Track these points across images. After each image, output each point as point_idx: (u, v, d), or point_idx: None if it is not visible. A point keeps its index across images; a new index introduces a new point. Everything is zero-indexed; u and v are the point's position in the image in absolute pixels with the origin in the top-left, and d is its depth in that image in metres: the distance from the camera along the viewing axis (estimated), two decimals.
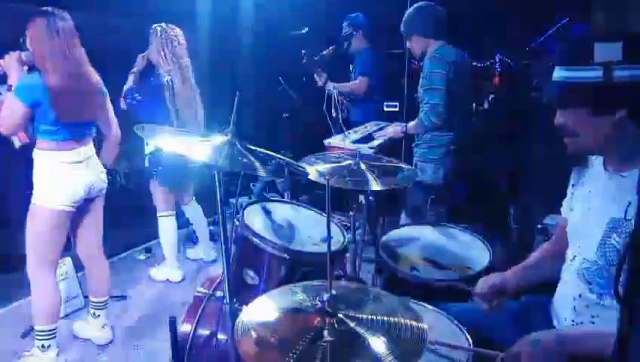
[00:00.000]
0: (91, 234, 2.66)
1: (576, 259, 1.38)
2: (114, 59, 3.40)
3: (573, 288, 1.38)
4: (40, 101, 2.24)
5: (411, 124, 2.97)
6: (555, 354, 1.22)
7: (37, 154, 2.36)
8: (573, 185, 1.51)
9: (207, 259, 3.79)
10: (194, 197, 3.64)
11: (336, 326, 1.00)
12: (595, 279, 1.30)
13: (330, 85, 3.99)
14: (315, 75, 4.06)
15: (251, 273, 1.81)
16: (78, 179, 2.40)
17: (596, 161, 1.40)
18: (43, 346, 2.42)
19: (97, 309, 2.71)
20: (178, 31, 3.20)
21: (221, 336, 1.74)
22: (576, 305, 1.36)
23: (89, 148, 2.49)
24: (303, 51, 3.95)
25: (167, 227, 3.41)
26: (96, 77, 2.47)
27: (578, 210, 1.43)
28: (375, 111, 4.09)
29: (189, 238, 4.06)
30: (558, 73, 1.27)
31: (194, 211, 3.65)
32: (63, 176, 2.36)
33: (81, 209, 2.51)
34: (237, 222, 1.84)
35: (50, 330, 2.43)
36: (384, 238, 2.21)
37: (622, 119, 1.21)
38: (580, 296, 1.35)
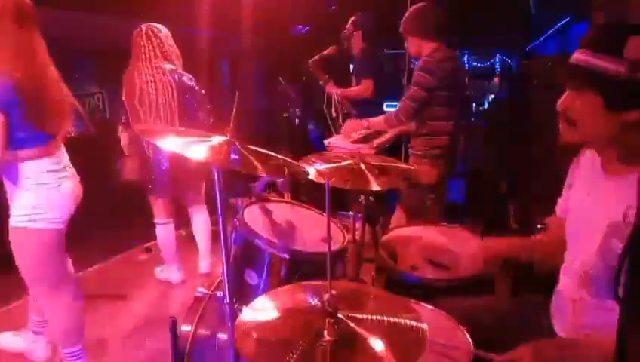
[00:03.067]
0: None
1: (575, 262, 1.37)
2: (113, 58, 3.39)
3: (572, 290, 1.37)
4: (11, 104, 1.88)
5: (376, 119, 3.02)
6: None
7: (16, 168, 1.98)
8: (570, 186, 1.50)
9: (202, 270, 3.51)
10: (204, 204, 3.45)
11: (336, 326, 1.00)
12: (594, 282, 1.29)
13: (334, 91, 3.99)
14: (321, 82, 4.08)
15: (251, 273, 1.81)
16: (65, 188, 2.09)
17: (594, 163, 1.38)
18: None
19: (39, 327, 2.49)
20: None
21: (221, 336, 1.74)
22: (576, 308, 1.35)
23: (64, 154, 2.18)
24: (309, 61, 3.96)
25: (163, 235, 3.31)
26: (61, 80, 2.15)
27: (576, 213, 1.42)
28: (375, 111, 4.09)
29: (189, 238, 4.06)
30: (580, 55, 1.22)
31: (198, 218, 3.45)
32: (52, 187, 2.03)
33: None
34: (237, 222, 1.84)
35: (79, 350, 2.28)
36: (384, 238, 2.21)
37: (631, 120, 1.18)
38: (579, 298, 1.34)
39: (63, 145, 2.19)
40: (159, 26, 3.08)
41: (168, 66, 3.00)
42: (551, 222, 1.64)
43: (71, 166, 2.20)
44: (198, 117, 3.16)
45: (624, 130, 1.20)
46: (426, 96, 2.78)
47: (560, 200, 1.56)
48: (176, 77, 3.03)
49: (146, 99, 2.94)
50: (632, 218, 1.20)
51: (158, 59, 2.99)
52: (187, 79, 3.10)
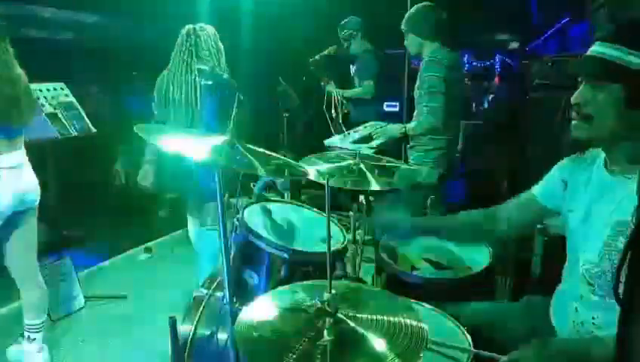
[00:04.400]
0: (21, 252, 2.40)
1: (578, 261, 1.37)
2: (116, 58, 3.39)
3: (574, 289, 1.37)
4: None
5: (410, 125, 2.98)
6: None
7: None
8: (565, 183, 1.47)
9: None
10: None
11: (336, 326, 1.00)
12: (597, 281, 1.29)
13: (335, 91, 3.99)
14: (322, 82, 4.09)
15: (251, 273, 1.81)
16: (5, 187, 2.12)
17: (597, 161, 1.38)
18: None
19: (33, 332, 2.51)
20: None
21: (221, 336, 1.74)
22: (578, 306, 1.35)
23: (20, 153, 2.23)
24: (310, 59, 3.96)
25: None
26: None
27: (579, 212, 1.40)
28: (375, 111, 4.09)
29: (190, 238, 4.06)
30: (604, 49, 1.21)
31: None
32: None
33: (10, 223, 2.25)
34: (237, 222, 1.84)
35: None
36: (384, 238, 2.21)
37: None
38: (581, 297, 1.34)
39: (7, 148, 2.17)
40: (203, 25, 3.05)
41: (200, 67, 2.96)
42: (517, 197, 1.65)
43: (8, 169, 2.17)
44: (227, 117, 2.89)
45: (638, 128, 1.20)
46: (444, 92, 2.79)
47: (542, 183, 1.56)
48: (205, 77, 2.95)
49: (171, 98, 2.95)
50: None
51: (191, 60, 2.96)
52: (220, 79, 3.03)
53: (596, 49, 1.23)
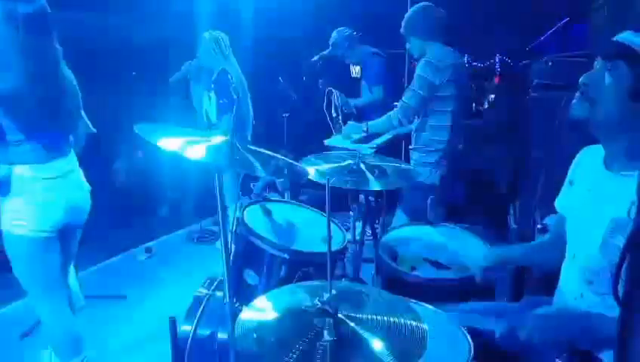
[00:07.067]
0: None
1: (577, 259, 1.37)
2: (112, 59, 3.39)
3: (574, 287, 1.37)
4: None
5: (373, 122, 3.01)
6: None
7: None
8: (570, 182, 1.49)
9: None
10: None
11: (336, 326, 1.00)
12: (596, 279, 1.29)
13: (340, 98, 3.98)
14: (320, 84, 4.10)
15: (251, 273, 1.81)
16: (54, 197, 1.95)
17: (596, 160, 1.38)
18: None
19: None
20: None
21: (221, 336, 1.74)
22: (577, 305, 1.35)
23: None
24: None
25: None
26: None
27: (578, 209, 1.41)
28: (383, 112, 4.07)
29: (189, 238, 4.07)
30: (629, 36, 1.21)
31: None
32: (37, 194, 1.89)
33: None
34: (237, 222, 1.84)
35: None
36: (384, 238, 2.21)
37: None
38: (581, 295, 1.34)
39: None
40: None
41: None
42: (552, 222, 1.63)
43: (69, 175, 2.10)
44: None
45: (637, 124, 1.20)
46: (426, 97, 2.77)
47: (559, 197, 1.55)
48: None
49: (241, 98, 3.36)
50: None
51: (236, 62, 3.52)
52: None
53: (623, 35, 1.23)
